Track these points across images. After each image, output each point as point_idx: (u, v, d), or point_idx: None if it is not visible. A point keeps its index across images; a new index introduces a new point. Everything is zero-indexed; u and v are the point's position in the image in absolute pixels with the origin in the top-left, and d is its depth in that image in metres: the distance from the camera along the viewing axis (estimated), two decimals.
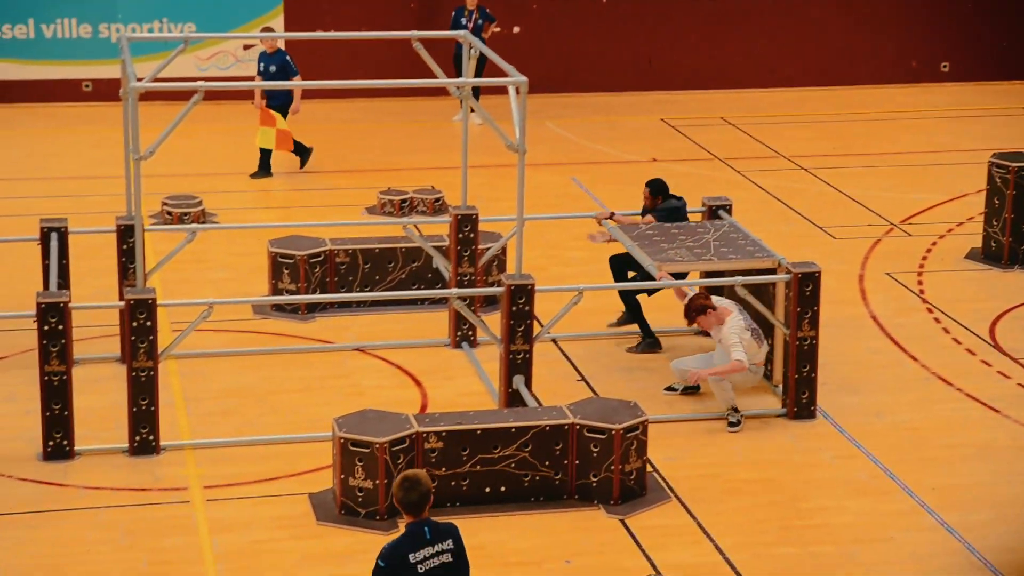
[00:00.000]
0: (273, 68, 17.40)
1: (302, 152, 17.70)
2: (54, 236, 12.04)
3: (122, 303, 10.79)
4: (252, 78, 19.62)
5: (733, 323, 11.29)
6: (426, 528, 6.93)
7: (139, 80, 11.00)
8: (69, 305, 10.41)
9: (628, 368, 12.40)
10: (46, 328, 10.29)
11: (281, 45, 18.33)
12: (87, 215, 14.87)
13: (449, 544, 6.96)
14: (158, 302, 10.57)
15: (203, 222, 15.39)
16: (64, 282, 11.86)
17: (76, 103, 20.55)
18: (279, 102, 17.36)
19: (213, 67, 20.64)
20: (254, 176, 17.42)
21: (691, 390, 11.88)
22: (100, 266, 13.62)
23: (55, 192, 16.73)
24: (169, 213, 15.34)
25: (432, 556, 6.88)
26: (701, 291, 11.60)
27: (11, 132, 19.40)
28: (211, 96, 12.13)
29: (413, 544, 6.87)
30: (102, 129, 19.12)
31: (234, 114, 19.81)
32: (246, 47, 20.76)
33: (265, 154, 17.38)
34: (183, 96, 11.31)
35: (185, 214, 15.31)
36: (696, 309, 11.36)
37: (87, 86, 20.63)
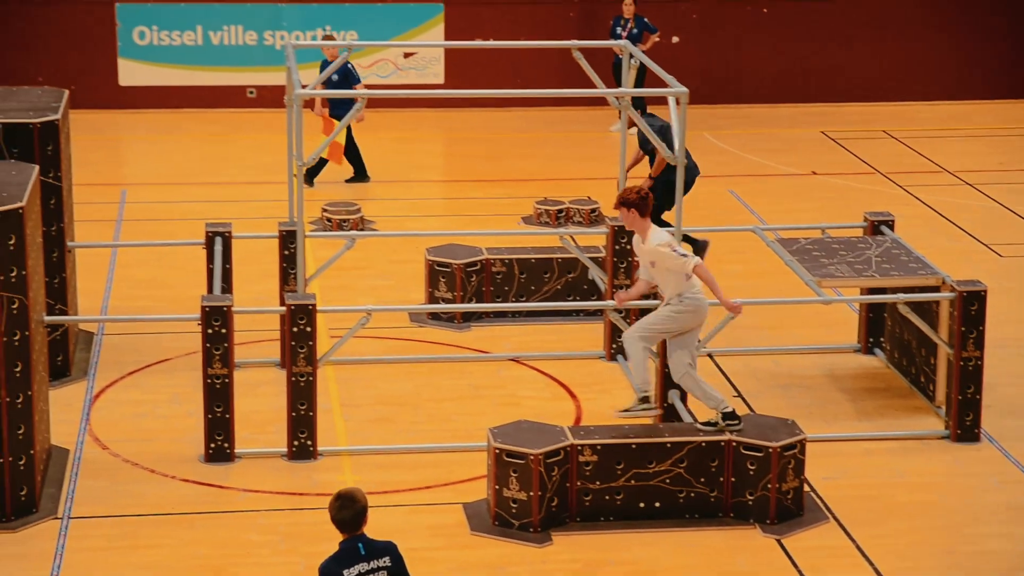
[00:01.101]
0: (335, 76, 17.23)
1: (359, 173, 17.62)
2: (218, 240, 12.24)
3: (283, 308, 10.92)
4: (413, 86, 19.84)
5: (659, 236, 10.15)
6: (360, 545, 6.96)
7: (303, 87, 11.14)
8: (232, 309, 10.57)
9: (785, 385, 12.22)
10: (210, 331, 10.46)
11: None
12: (250, 220, 15.11)
13: (386, 561, 6.99)
14: (318, 308, 10.68)
15: (362, 229, 15.54)
16: (227, 286, 12.05)
17: (241, 109, 20.91)
18: (343, 111, 17.19)
19: (373, 75, 20.85)
20: (306, 181, 17.10)
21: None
22: (262, 271, 13.82)
23: (219, 197, 17.04)
24: (329, 220, 15.53)
25: (367, 573, 6.92)
26: (639, 188, 10.39)
27: (178, 137, 19.82)
28: (371, 104, 12.25)
29: (348, 561, 6.92)
30: (265, 135, 19.43)
31: (393, 122, 19.99)
32: (407, 55, 20.96)
33: (321, 163, 17.31)
34: (348, 103, 11.42)
35: (344, 221, 15.47)
36: (630, 201, 10.13)
37: (251, 92, 20.99)
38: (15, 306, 9.42)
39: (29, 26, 20.30)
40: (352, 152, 17.43)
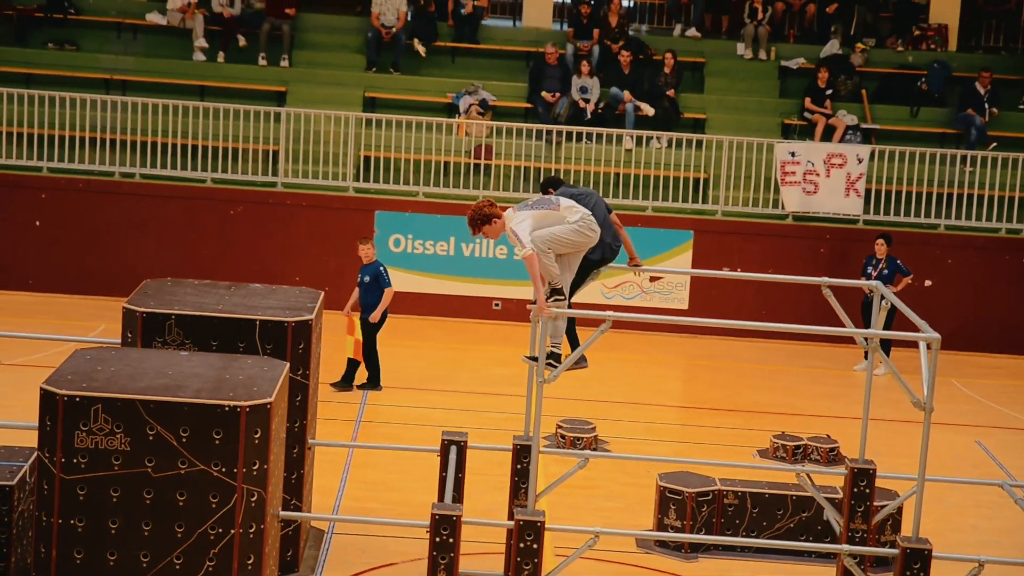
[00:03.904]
0: (367, 279, 17.47)
1: (372, 379, 17.59)
2: (453, 449, 12.32)
3: (511, 523, 10.88)
4: (657, 310, 19.93)
5: (514, 219, 10.40)
6: None
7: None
8: (461, 519, 10.58)
9: None
10: (437, 540, 10.48)
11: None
12: (485, 431, 15.23)
13: None
14: (546, 525, 10.62)
15: (595, 448, 15.48)
16: (458, 495, 12.09)
17: (485, 320, 21.29)
18: (371, 311, 17.39)
19: (618, 296, 21.04)
20: (335, 386, 17.35)
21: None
22: (493, 482, 13.86)
23: (456, 405, 17.25)
24: (563, 436, 15.52)
25: None
26: (487, 201, 10.64)
27: (421, 343, 20.23)
28: (613, 325, 12.35)
29: None
30: (505, 347, 19.69)
31: (634, 344, 20.05)
32: (653, 279, 21.10)
33: (352, 365, 17.41)
34: (590, 323, 11.50)
35: (578, 439, 15.44)
36: (480, 219, 10.50)
37: (497, 305, 21.37)
38: (254, 499, 9.61)
39: (291, 228, 21.16)
40: (371, 357, 17.57)
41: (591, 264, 11.70)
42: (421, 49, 23.40)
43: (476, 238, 11.30)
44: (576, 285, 11.70)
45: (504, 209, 10.91)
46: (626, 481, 14.84)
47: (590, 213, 10.95)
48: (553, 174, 12.39)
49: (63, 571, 9.43)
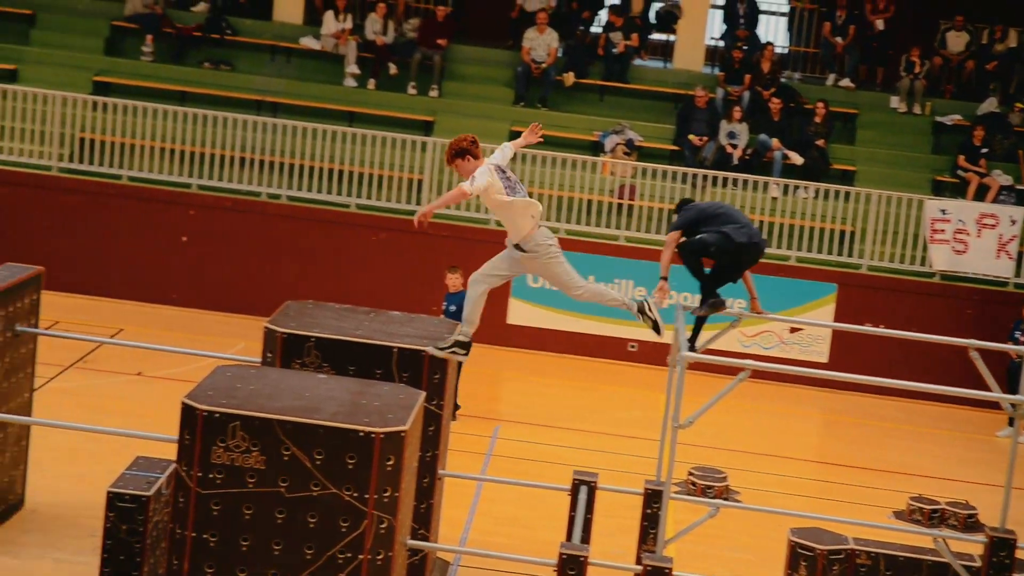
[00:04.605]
0: (453, 307, 17.15)
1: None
2: (583, 489, 12.21)
3: (639, 567, 10.72)
4: (795, 362, 19.64)
5: (482, 169, 10.64)
6: None
7: (690, 350, 11.12)
8: (588, 560, 10.45)
9: None
10: None
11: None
12: (614, 472, 15.07)
13: None
14: (673, 572, 10.44)
15: (726, 498, 15.24)
16: (586, 536, 11.95)
17: (620, 361, 21.13)
18: None
19: (756, 345, 20.77)
20: None
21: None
22: (621, 525, 13.70)
23: (587, 445, 17.12)
24: (694, 484, 15.30)
25: None
26: (473, 137, 10.86)
27: (556, 380, 20.14)
28: (751, 375, 12.20)
29: None
30: (639, 390, 19.52)
31: (771, 394, 19.77)
32: (793, 330, 20.80)
33: None
34: (728, 371, 11.33)
35: (709, 487, 15.21)
36: (456, 151, 10.76)
37: (633, 347, 21.21)
38: (383, 526, 9.57)
39: (431, 257, 21.22)
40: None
41: (736, 264, 11.76)
42: (569, 77, 23.39)
43: (449, 168, 11.68)
44: (724, 281, 11.82)
45: (484, 157, 10.97)
46: (756, 533, 14.58)
47: (531, 211, 10.96)
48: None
49: None
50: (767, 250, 20.84)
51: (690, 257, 12.28)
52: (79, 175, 21.47)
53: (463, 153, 10.82)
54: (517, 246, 11.16)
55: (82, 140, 21.55)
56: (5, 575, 12.01)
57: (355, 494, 9.46)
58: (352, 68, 23.27)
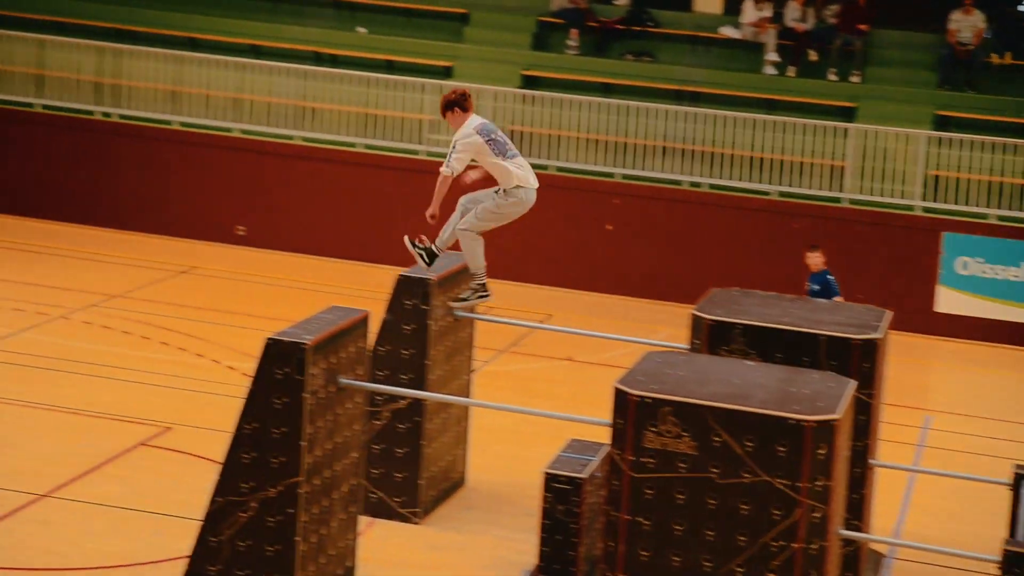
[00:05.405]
0: (816, 287, 16.23)
1: None
2: None
3: None
4: None
5: (464, 130, 10.92)
6: None
7: None
8: None
9: None
10: None
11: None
12: None
13: None
14: None
15: None
16: None
17: None
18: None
19: None
20: None
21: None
22: None
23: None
24: None
25: None
26: (465, 91, 11.16)
27: (990, 371, 19.49)
28: None
29: None
30: None
31: None
32: None
33: None
34: None
35: None
36: (449, 103, 11.06)
37: None
38: (816, 515, 9.52)
39: (855, 247, 20.87)
40: None
41: None
42: (997, 57, 22.56)
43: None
44: None
45: (472, 112, 11.22)
46: None
47: (528, 177, 11.20)
48: None
49: (630, 567, 9.66)
50: None
51: None
52: None
53: (451, 106, 11.18)
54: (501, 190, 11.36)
55: (512, 132, 22.28)
56: (451, 549, 12.61)
57: (787, 482, 9.44)
58: (772, 56, 23.15)
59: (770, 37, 23.20)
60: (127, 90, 23.15)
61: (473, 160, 11.35)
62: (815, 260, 16.94)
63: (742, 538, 9.49)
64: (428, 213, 11.36)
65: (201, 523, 10.58)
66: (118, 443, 14.11)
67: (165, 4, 24.80)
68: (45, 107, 23.38)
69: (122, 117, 23.14)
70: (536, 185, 11.41)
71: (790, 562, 9.44)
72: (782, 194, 21.53)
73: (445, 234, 11.62)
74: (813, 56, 23.24)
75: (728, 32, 23.68)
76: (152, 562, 11.69)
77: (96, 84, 23.23)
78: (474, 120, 11.28)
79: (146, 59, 23.10)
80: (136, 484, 13.23)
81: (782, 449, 9.47)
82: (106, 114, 23.19)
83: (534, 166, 21.16)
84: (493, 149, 11.18)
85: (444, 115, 11.40)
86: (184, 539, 11.82)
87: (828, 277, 16.92)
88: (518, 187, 11.28)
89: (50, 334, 17.43)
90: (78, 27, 24.09)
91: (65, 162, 23.26)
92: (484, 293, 11.54)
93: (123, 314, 18.52)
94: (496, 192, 11.42)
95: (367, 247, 22.14)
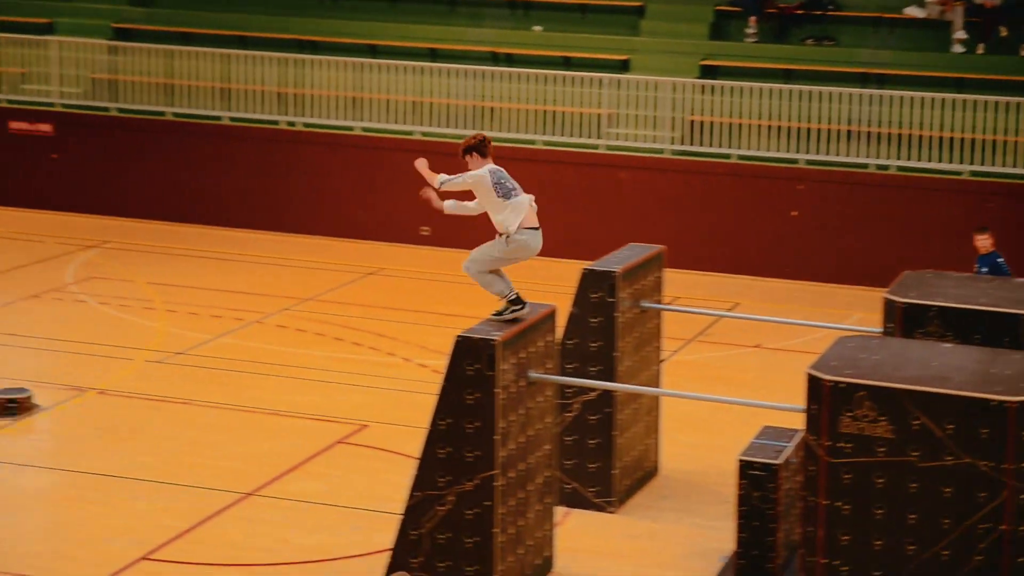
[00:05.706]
0: (984, 269, 15.52)
1: None
2: None
3: None
4: None
5: (474, 171, 10.89)
6: None
7: None
8: None
9: None
10: None
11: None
12: None
13: None
14: None
15: None
16: None
17: None
18: None
19: None
20: None
21: None
22: None
23: None
24: None
25: None
26: (483, 137, 11.11)
27: None
28: None
29: None
30: None
31: None
32: None
33: None
34: None
35: None
36: (469, 148, 11.01)
37: None
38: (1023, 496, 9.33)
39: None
40: None
41: None
42: None
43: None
44: None
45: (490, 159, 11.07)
46: None
47: (530, 224, 10.95)
48: None
49: (830, 551, 9.57)
50: None
51: None
52: (690, 156, 22.11)
53: (470, 150, 11.15)
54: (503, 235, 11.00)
55: (691, 123, 22.16)
56: (647, 537, 12.61)
57: (991, 464, 9.25)
58: (959, 34, 22.62)
59: (957, 15, 22.67)
60: (309, 99, 23.61)
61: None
62: (984, 242, 16.57)
63: (946, 521, 9.33)
64: (426, 196, 11.30)
65: (401, 517, 10.76)
66: (317, 442, 14.41)
67: (343, 13, 25.23)
68: (232, 119, 23.95)
69: (305, 125, 23.60)
70: (538, 226, 11.16)
71: (997, 544, 9.26)
72: (973, 173, 21.04)
73: (492, 288, 11.25)
74: (1004, 32, 22.66)
75: (913, 12, 23.20)
76: (354, 556, 11.92)
77: (280, 95, 23.73)
78: (489, 165, 11.24)
79: (327, 68, 23.52)
80: (335, 481, 13.50)
81: (984, 431, 9.29)
82: (290, 123, 23.69)
83: (714, 155, 20.99)
84: (498, 192, 11.05)
85: (463, 157, 11.39)
86: (383, 533, 12.04)
87: (998, 259, 16.52)
88: (521, 229, 11.07)
89: (246, 338, 17.88)
90: (261, 40, 24.65)
91: (251, 172, 23.81)
92: (518, 307, 11.12)
93: (315, 316, 18.90)
94: (498, 238, 11.17)
95: (546, 242, 22.19)
